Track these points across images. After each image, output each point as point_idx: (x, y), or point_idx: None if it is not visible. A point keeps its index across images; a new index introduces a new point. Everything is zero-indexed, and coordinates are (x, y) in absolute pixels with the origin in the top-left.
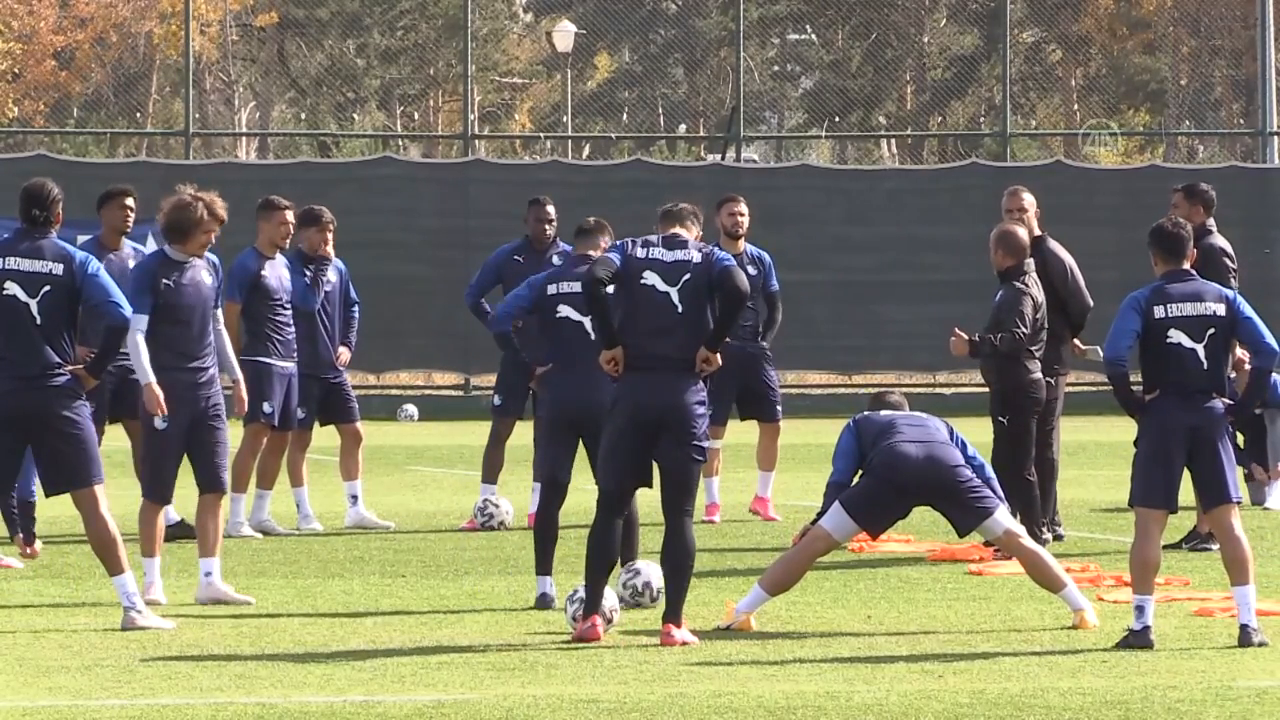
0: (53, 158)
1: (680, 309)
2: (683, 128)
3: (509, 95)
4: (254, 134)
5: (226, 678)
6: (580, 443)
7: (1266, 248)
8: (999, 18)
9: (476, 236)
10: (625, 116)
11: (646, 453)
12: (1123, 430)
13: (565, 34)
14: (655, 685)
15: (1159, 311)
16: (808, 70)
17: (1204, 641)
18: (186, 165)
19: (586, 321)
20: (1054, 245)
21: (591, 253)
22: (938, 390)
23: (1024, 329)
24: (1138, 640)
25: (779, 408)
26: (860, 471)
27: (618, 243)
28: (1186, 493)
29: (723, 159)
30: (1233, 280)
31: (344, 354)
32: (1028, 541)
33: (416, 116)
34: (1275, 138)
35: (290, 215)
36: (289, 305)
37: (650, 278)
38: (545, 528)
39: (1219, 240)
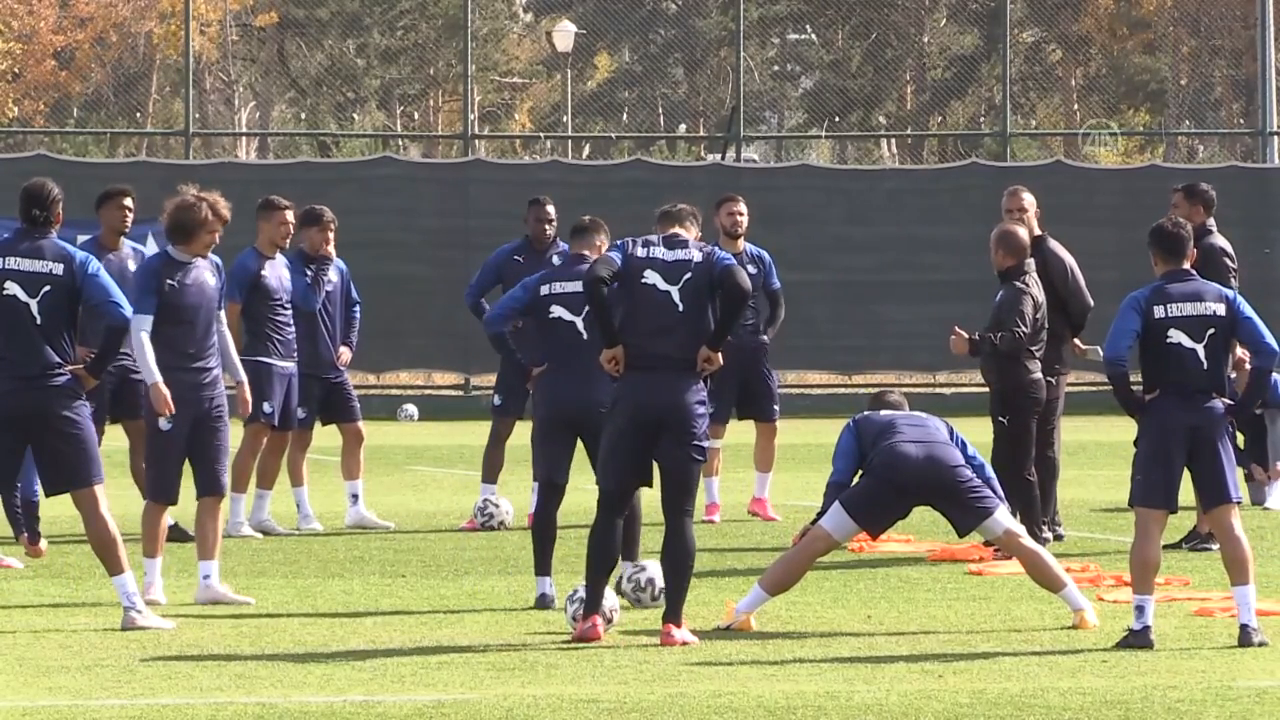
0: (53, 158)
1: (681, 308)
2: (683, 128)
3: (509, 95)
4: (254, 134)
5: (226, 678)
6: (579, 443)
7: (1266, 248)
8: (999, 18)
9: (476, 236)
10: (625, 116)
11: (647, 452)
12: (1123, 430)
13: (565, 34)
14: (655, 685)
15: (1159, 311)
16: (808, 70)
17: (1204, 641)
18: (186, 165)
19: (579, 321)
20: (1054, 245)
21: (587, 252)
22: (938, 390)
23: (1024, 328)
24: (1138, 640)
25: (776, 407)
26: (860, 471)
27: (618, 242)
28: (1186, 493)
29: (723, 159)
30: (1233, 280)
31: (345, 354)
32: (1028, 541)
33: (416, 116)
34: (1275, 138)
35: (290, 215)
36: (289, 305)
37: (651, 277)
38: (544, 528)
39: (1219, 240)
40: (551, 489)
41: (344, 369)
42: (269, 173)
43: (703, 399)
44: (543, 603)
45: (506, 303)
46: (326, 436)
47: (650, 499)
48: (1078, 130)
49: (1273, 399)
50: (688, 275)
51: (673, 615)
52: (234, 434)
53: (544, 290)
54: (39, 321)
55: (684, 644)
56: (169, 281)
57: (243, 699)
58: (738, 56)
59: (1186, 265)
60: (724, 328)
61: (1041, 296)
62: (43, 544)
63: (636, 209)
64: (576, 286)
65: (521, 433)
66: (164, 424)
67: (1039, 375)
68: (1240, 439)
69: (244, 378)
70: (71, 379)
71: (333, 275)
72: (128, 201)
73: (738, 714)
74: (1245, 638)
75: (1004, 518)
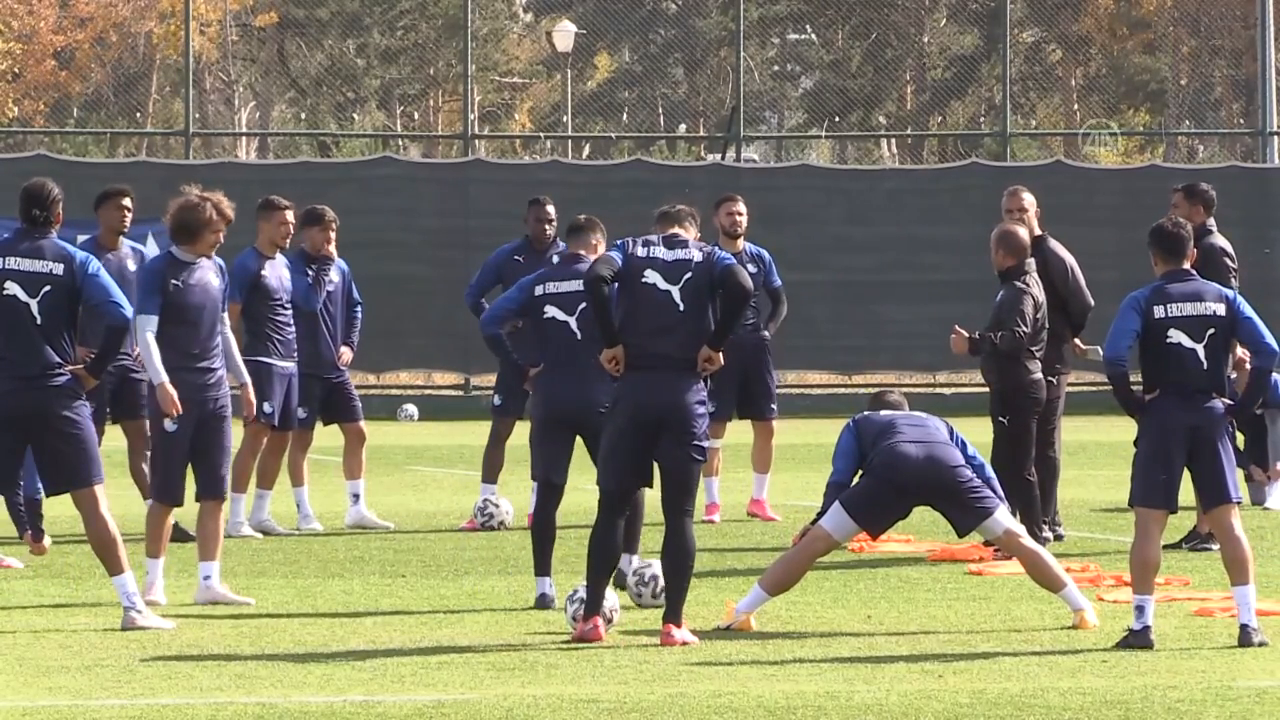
0: (53, 158)
1: (681, 308)
2: (683, 128)
3: (509, 95)
4: (254, 134)
5: (226, 678)
6: (577, 442)
7: (1266, 248)
8: (999, 18)
9: (476, 236)
10: (625, 116)
11: (647, 452)
12: (1123, 430)
13: (565, 34)
14: (655, 685)
15: (1159, 311)
16: (808, 70)
17: (1204, 641)
18: (186, 165)
19: (573, 321)
20: (1054, 245)
21: (583, 251)
22: (938, 390)
23: (1025, 328)
24: (1138, 640)
25: (774, 407)
26: (860, 471)
27: (619, 241)
28: (1186, 493)
29: (723, 159)
30: (1233, 280)
31: (346, 354)
32: (1028, 541)
33: (416, 116)
34: (1275, 138)
35: (290, 215)
36: (289, 305)
37: (651, 276)
38: (543, 528)
39: (1219, 240)
40: (550, 489)
41: (345, 369)
42: (269, 173)
43: (703, 399)
44: (543, 603)
45: (502, 304)
46: (328, 436)
47: (651, 498)
48: (1078, 130)
49: (1273, 399)
50: (688, 275)
51: (673, 615)
52: (234, 434)
53: (538, 291)
54: (39, 321)
55: (684, 644)
56: (173, 281)
57: (243, 699)
58: (738, 56)
59: (1186, 265)
60: (725, 327)
61: (1042, 296)
62: (46, 540)
63: (636, 209)
64: (571, 286)
65: (521, 433)
66: (169, 425)
67: (1039, 375)
68: (1240, 439)
69: (248, 379)
70: (71, 379)
71: (334, 275)
72: (126, 201)
73: (738, 714)
74: (1245, 638)
75: (1004, 518)
